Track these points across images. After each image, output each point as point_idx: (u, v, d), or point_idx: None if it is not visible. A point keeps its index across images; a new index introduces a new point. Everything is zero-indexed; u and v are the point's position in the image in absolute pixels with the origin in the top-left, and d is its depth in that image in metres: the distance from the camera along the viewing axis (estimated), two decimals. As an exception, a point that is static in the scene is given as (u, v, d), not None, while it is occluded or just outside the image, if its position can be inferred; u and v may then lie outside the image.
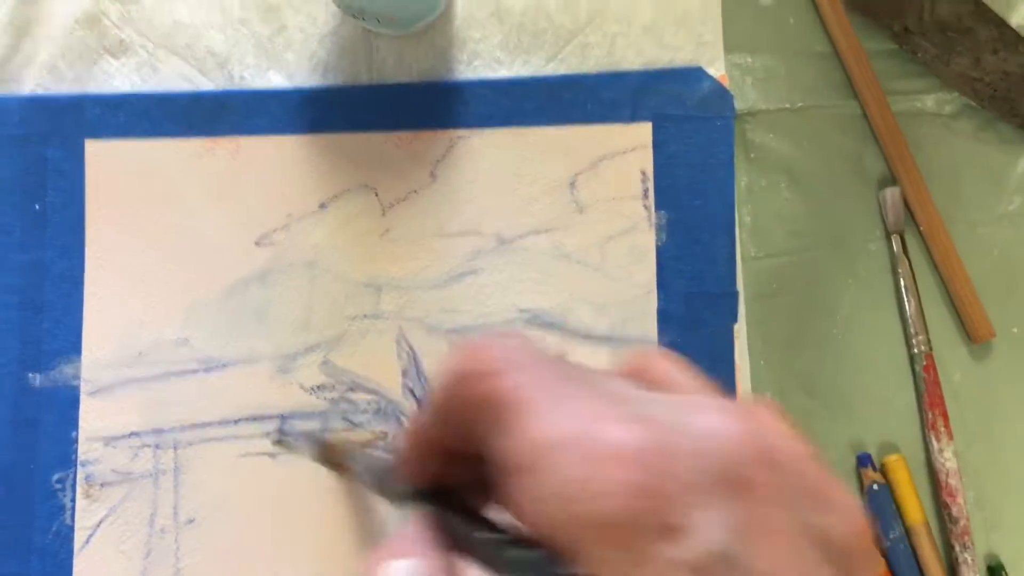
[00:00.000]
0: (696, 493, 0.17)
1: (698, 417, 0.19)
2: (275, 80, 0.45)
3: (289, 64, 0.46)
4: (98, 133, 0.45)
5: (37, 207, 0.44)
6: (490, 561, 0.21)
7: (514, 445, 0.19)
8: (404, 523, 0.24)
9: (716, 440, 0.18)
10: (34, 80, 0.46)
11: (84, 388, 0.44)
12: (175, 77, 0.46)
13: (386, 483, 0.31)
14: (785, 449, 0.18)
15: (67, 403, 0.44)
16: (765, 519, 0.17)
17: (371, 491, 0.36)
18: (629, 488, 0.17)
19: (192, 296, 0.44)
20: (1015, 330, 0.43)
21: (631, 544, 0.17)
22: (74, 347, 0.44)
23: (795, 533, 0.18)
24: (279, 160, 0.45)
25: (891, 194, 0.43)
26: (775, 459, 0.18)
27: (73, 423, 0.43)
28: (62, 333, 0.44)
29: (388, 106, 0.45)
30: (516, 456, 0.19)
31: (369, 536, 0.43)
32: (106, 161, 0.45)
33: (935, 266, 0.44)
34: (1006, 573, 0.42)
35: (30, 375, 0.44)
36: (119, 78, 0.46)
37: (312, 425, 0.44)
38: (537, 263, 0.44)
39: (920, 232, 0.44)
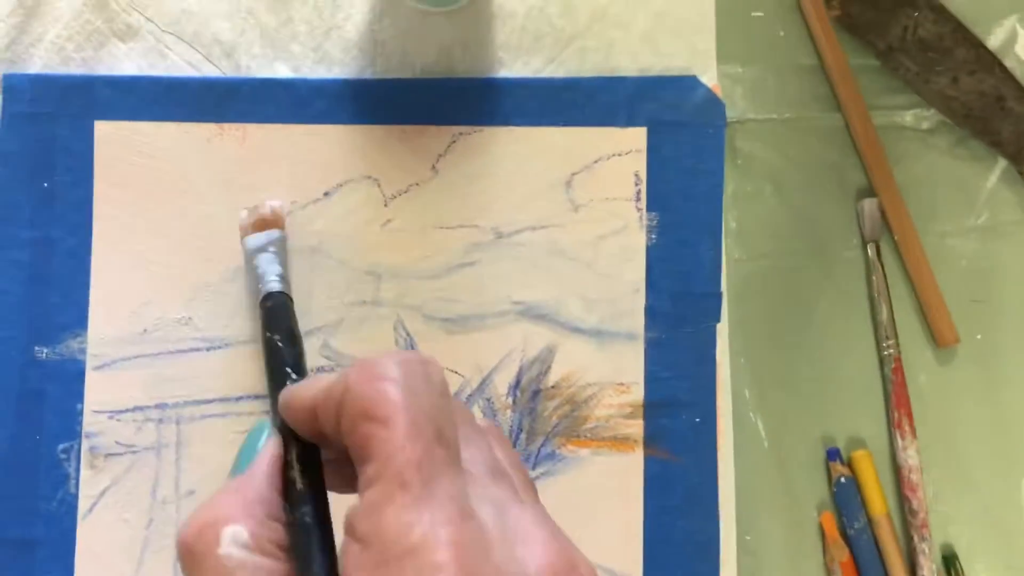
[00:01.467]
0: None
1: (527, 547, 0.21)
2: (281, 71, 0.47)
3: (295, 55, 0.47)
4: (108, 114, 0.46)
5: (46, 185, 0.46)
6: (297, 544, 0.23)
7: (364, 513, 0.20)
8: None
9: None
10: (42, 62, 0.46)
11: (90, 363, 0.45)
12: (182, 64, 0.47)
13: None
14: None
15: (73, 376, 0.45)
16: None
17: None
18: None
19: (196, 277, 0.46)
20: (979, 336, 0.46)
21: None
22: (80, 322, 0.45)
23: None
24: (285, 148, 0.46)
25: (868, 205, 0.46)
26: None
27: (79, 396, 0.45)
28: (69, 309, 0.45)
29: (392, 100, 0.46)
30: (360, 522, 0.20)
31: None
32: (115, 142, 0.46)
33: (907, 274, 0.46)
34: (959, 563, 0.45)
35: (37, 349, 0.45)
36: (126, 63, 0.47)
37: (310, 405, 0.45)
38: (532, 258, 0.46)
39: (895, 242, 0.46)
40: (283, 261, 0.43)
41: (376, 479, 0.21)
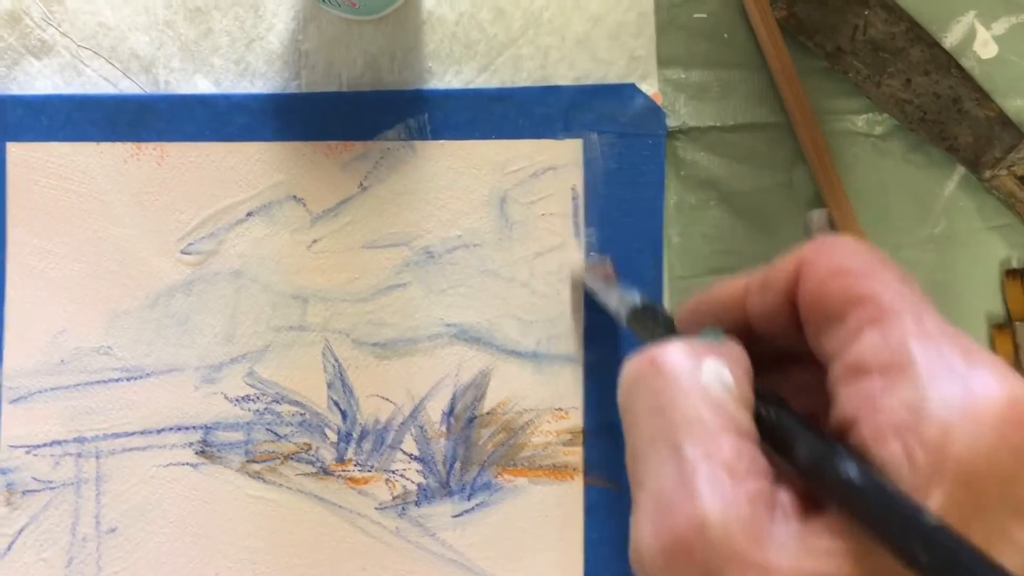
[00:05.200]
0: None
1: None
2: (202, 85, 0.45)
3: (216, 69, 0.45)
4: (20, 136, 0.44)
5: (-43, 210, 0.44)
6: (813, 466, 0.20)
7: (889, 345, 0.19)
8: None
9: None
10: (-46, 78, 0.44)
11: (5, 395, 0.43)
12: (99, 80, 0.45)
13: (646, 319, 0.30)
14: None
15: (-13, 411, 0.43)
16: None
17: (620, 319, 0.35)
18: (1010, 447, 0.17)
19: (115, 304, 0.44)
20: (936, 353, 0.44)
21: (988, 503, 0.17)
22: (-6, 354, 0.43)
23: None
24: (205, 167, 0.44)
25: (817, 216, 0.43)
26: None
27: (-7, 431, 0.43)
28: (-18, 340, 0.43)
29: (317, 115, 0.44)
30: (889, 355, 0.19)
31: None
32: (28, 165, 0.44)
33: (859, 289, 0.44)
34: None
35: (-51, 382, 0.43)
36: (41, 80, 0.45)
37: (236, 436, 0.43)
38: (465, 278, 0.44)
39: (845, 254, 0.44)
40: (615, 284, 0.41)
41: (874, 320, 0.19)
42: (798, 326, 0.22)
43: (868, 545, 0.18)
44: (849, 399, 0.19)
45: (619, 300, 0.36)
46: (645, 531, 0.19)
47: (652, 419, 0.20)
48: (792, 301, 0.22)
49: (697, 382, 0.20)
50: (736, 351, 0.22)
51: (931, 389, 0.18)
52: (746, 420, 0.20)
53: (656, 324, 0.31)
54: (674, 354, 0.21)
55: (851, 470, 0.19)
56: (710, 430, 0.20)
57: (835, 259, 0.21)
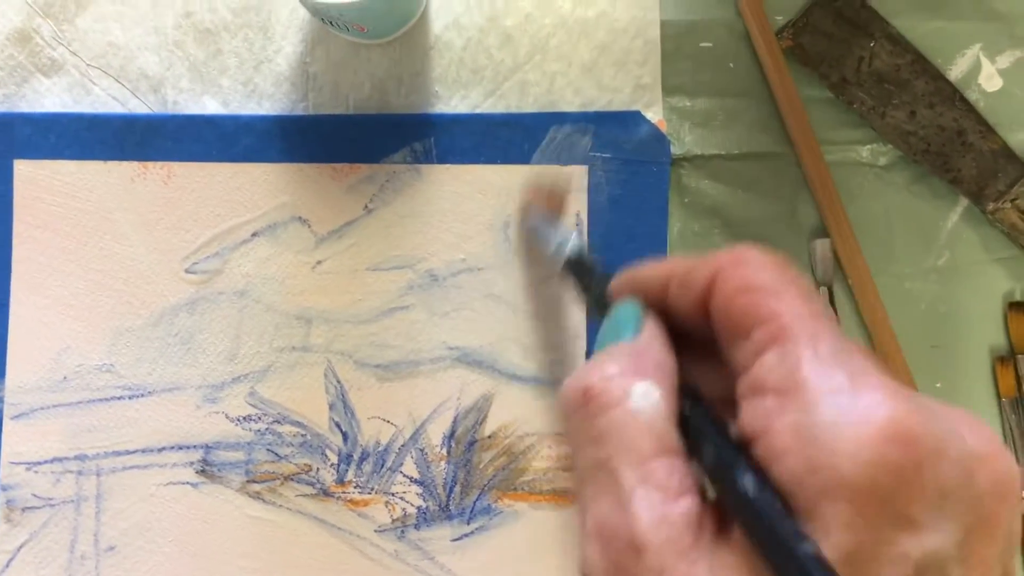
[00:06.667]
0: (944, 499, 0.18)
1: (971, 433, 0.19)
2: (210, 106, 0.45)
3: (224, 90, 0.45)
4: (28, 153, 0.44)
5: (-37, 226, 0.44)
6: (716, 473, 0.20)
7: (784, 367, 0.19)
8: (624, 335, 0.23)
9: (984, 464, 0.19)
10: (-36, 95, 0.45)
11: (7, 412, 0.43)
12: (107, 99, 0.45)
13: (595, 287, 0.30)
14: (1019, 493, 0.19)
15: (-11, 427, 0.43)
16: (984, 549, 0.18)
17: (563, 281, 0.34)
18: (890, 464, 0.18)
19: (119, 322, 0.44)
20: (938, 385, 0.44)
21: (870, 518, 0.18)
22: (-2, 370, 0.43)
23: (997, 570, 0.19)
24: (212, 188, 0.44)
25: (820, 246, 0.44)
26: (1014, 502, 0.19)
27: (-5, 447, 0.43)
28: (-15, 356, 0.43)
29: (323, 137, 0.44)
30: (784, 377, 0.19)
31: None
32: (35, 182, 0.44)
33: (861, 319, 0.44)
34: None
35: (-48, 398, 0.43)
36: (50, 98, 0.45)
37: (237, 456, 0.43)
38: (469, 301, 0.44)
39: (848, 284, 0.44)
40: (561, 220, 0.40)
41: (774, 340, 0.20)
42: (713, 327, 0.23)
43: (763, 566, 0.19)
44: (749, 415, 0.20)
45: (557, 245, 0.35)
46: (590, 555, 0.21)
47: (590, 448, 0.21)
48: (707, 305, 0.23)
49: (628, 410, 0.21)
50: (658, 354, 0.23)
51: (818, 412, 0.19)
52: (674, 437, 0.21)
53: (590, 279, 0.31)
54: (605, 382, 0.22)
55: (748, 483, 0.19)
56: (643, 455, 0.21)
57: (745, 275, 0.21)
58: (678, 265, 0.24)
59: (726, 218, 0.44)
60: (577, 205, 0.44)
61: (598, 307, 0.27)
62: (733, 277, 0.21)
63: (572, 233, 0.36)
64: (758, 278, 0.21)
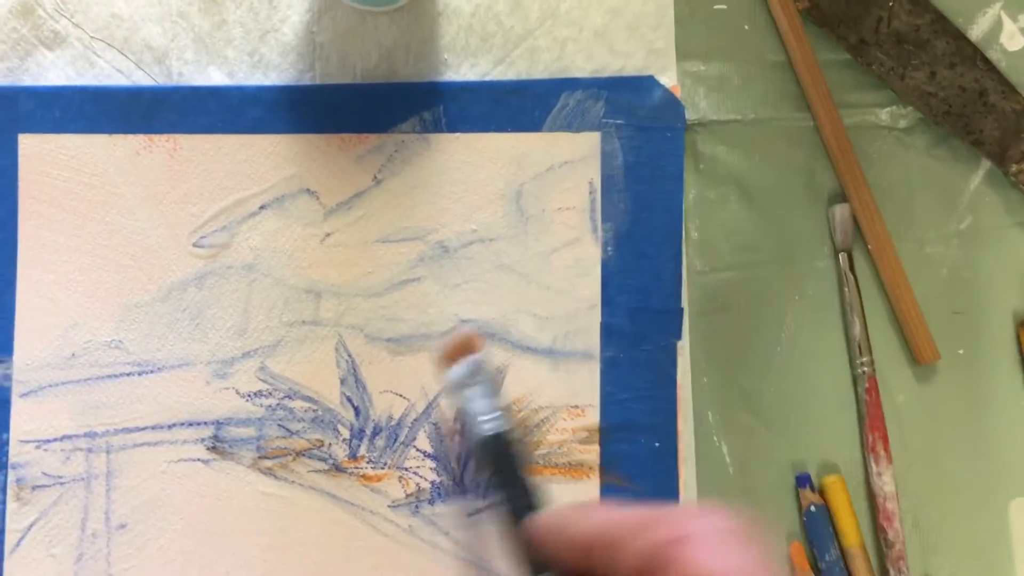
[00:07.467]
0: None
1: None
2: (215, 77, 0.44)
3: (229, 60, 0.44)
4: (32, 127, 0.44)
5: (-32, 203, 0.43)
6: None
7: None
8: None
9: None
10: (-34, 70, 0.44)
11: (16, 389, 0.43)
12: (112, 71, 0.44)
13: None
14: None
15: (-3, 405, 0.43)
16: None
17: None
18: None
19: (127, 297, 0.43)
20: (961, 351, 0.43)
21: None
22: (5, 348, 0.43)
23: None
24: (218, 160, 0.43)
25: (840, 211, 0.43)
26: None
27: (4, 425, 0.43)
28: (-7, 333, 0.43)
29: (331, 107, 0.43)
30: None
31: None
32: (40, 157, 0.43)
33: (882, 285, 0.43)
34: (940, 597, 0.42)
35: (-41, 376, 0.43)
36: (54, 71, 0.44)
37: (248, 432, 0.43)
38: (480, 272, 0.43)
39: (868, 250, 0.43)
40: (495, 391, 0.36)
41: None
42: None
43: None
44: None
45: (479, 420, 0.34)
46: None
47: None
48: None
49: None
50: None
51: None
52: None
53: (512, 483, 0.31)
54: None
55: None
56: None
57: (699, 562, 0.19)
58: (610, 523, 0.21)
59: (742, 184, 0.43)
60: (590, 173, 0.43)
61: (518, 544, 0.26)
62: (684, 562, 0.18)
63: (499, 414, 0.34)
64: (715, 564, 0.18)
